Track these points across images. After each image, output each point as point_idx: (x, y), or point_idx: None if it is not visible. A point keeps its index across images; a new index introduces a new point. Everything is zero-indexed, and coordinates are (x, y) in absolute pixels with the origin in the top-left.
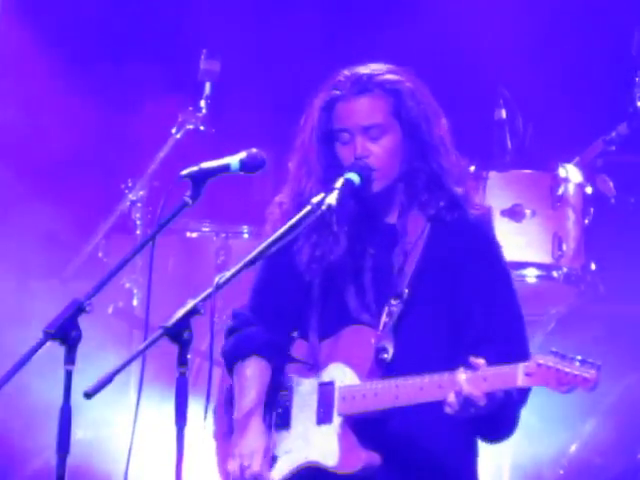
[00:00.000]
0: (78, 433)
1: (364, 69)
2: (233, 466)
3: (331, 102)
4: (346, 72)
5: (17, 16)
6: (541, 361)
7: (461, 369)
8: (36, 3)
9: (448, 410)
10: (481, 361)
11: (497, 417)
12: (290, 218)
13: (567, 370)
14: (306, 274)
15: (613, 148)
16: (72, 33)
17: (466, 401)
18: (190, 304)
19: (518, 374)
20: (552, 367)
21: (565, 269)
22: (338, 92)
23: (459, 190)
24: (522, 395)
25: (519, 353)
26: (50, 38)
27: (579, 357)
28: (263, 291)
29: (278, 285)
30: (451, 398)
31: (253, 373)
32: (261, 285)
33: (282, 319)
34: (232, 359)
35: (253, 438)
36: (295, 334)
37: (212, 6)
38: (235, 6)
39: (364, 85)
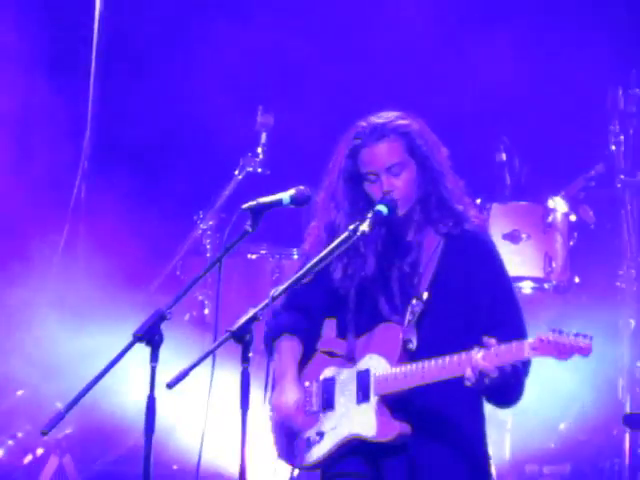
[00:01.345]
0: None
1: (378, 119)
2: (273, 417)
3: (355, 149)
4: (363, 123)
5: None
6: (543, 337)
7: (476, 348)
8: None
9: (467, 383)
10: (492, 340)
11: (507, 387)
12: (322, 243)
13: (565, 342)
14: (340, 288)
15: (593, 184)
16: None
17: (481, 374)
18: (251, 312)
19: (525, 348)
20: (552, 341)
21: (554, 282)
22: (359, 140)
23: (460, 207)
24: (525, 369)
25: (521, 335)
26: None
27: (574, 331)
28: (297, 292)
29: (310, 291)
30: (469, 373)
31: (285, 345)
32: (297, 289)
33: (311, 313)
34: (269, 341)
35: (288, 393)
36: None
37: (267, 70)
38: (285, 70)
39: (381, 132)
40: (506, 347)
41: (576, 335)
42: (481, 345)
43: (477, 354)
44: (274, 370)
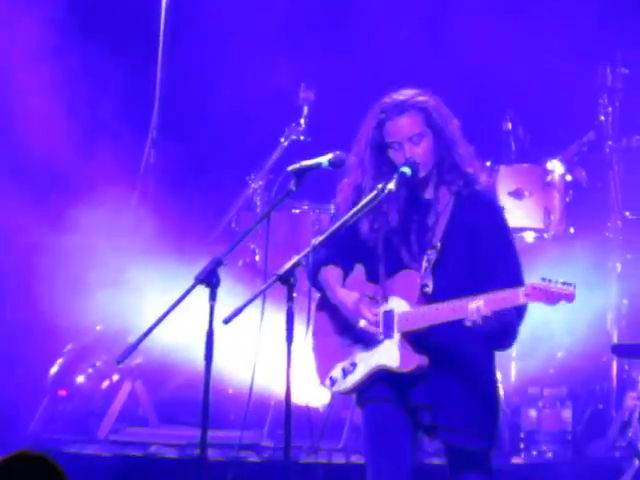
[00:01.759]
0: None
1: (399, 96)
2: (315, 345)
3: (380, 122)
4: (387, 99)
5: None
6: (535, 285)
7: (479, 296)
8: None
9: (467, 324)
10: (491, 291)
11: (503, 330)
12: (351, 201)
13: (553, 289)
14: (369, 240)
15: (585, 149)
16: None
17: (482, 318)
18: (295, 259)
19: (519, 295)
20: (543, 288)
21: (552, 232)
22: (384, 115)
23: (470, 170)
24: (520, 315)
25: (517, 284)
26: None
27: (561, 280)
28: (334, 241)
29: (344, 241)
30: (471, 316)
31: (332, 272)
32: (334, 239)
33: (346, 257)
34: (315, 272)
35: (348, 296)
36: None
37: (308, 48)
38: (326, 47)
39: (402, 107)
40: (503, 294)
41: (563, 283)
42: (483, 291)
43: (479, 300)
44: (327, 292)
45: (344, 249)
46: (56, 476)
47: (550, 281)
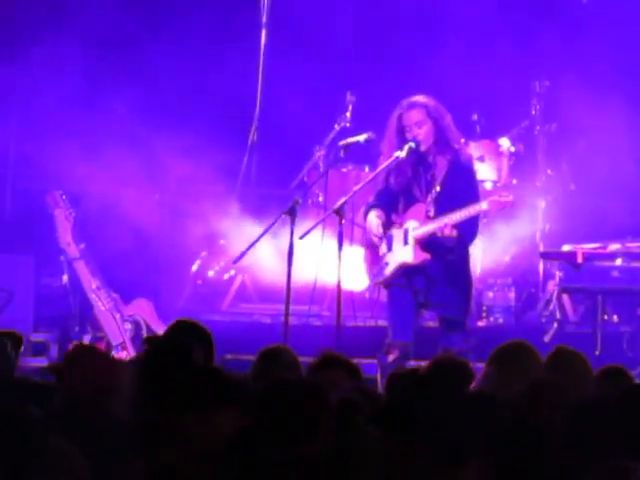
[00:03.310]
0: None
1: (412, 98)
2: (365, 248)
3: (400, 115)
4: (404, 102)
5: None
6: (492, 198)
7: (457, 210)
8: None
9: (438, 234)
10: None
11: (469, 230)
12: (385, 160)
13: (502, 199)
14: (394, 187)
15: (523, 131)
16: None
17: (454, 225)
18: (342, 200)
19: (482, 204)
20: (497, 200)
21: (502, 182)
22: (403, 110)
23: (457, 146)
24: (475, 222)
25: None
26: None
27: (505, 194)
28: (379, 192)
29: (383, 191)
30: (446, 228)
31: (376, 210)
32: (379, 191)
33: (388, 203)
34: (365, 212)
35: (375, 223)
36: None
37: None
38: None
39: (412, 105)
40: (470, 206)
41: (506, 195)
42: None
43: (456, 213)
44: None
45: (383, 197)
46: (205, 334)
47: (500, 195)
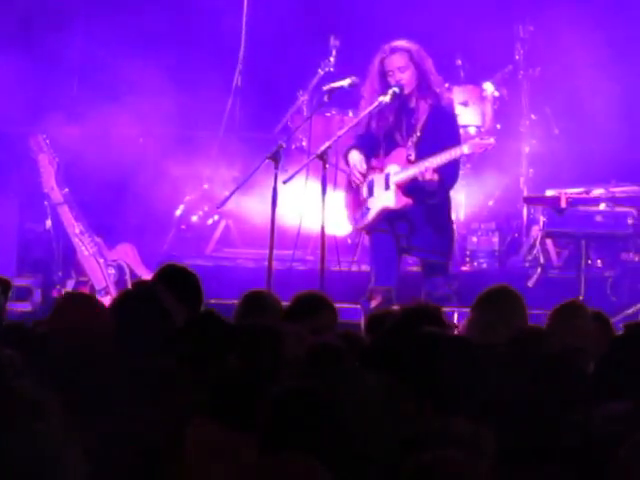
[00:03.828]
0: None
1: (394, 43)
2: (352, 172)
3: (382, 59)
4: (387, 45)
5: None
6: (473, 141)
7: (438, 153)
8: None
9: (419, 178)
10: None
11: (445, 177)
12: (367, 105)
13: (485, 142)
14: (375, 132)
15: (507, 76)
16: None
17: (435, 169)
18: (327, 144)
19: (464, 148)
20: (478, 142)
21: (486, 127)
22: (385, 54)
23: (438, 90)
24: (456, 166)
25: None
26: None
27: (486, 137)
28: (360, 136)
29: (364, 136)
30: (427, 172)
31: (354, 151)
32: (360, 135)
33: (369, 147)
34: (345, 153)
35: (357, 159)
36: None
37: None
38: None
39: (395, 49)
40: (452, 149)
41: (487, 138)
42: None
43: (437, 157)
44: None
45: (364, 141)
46: (193, 277)
47: (482, 139)
